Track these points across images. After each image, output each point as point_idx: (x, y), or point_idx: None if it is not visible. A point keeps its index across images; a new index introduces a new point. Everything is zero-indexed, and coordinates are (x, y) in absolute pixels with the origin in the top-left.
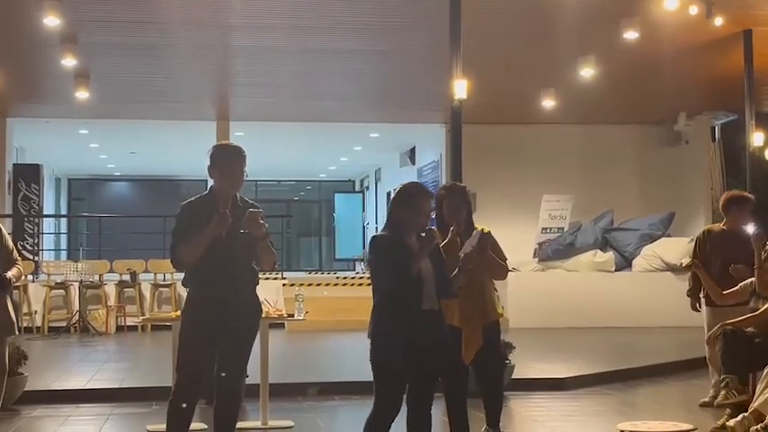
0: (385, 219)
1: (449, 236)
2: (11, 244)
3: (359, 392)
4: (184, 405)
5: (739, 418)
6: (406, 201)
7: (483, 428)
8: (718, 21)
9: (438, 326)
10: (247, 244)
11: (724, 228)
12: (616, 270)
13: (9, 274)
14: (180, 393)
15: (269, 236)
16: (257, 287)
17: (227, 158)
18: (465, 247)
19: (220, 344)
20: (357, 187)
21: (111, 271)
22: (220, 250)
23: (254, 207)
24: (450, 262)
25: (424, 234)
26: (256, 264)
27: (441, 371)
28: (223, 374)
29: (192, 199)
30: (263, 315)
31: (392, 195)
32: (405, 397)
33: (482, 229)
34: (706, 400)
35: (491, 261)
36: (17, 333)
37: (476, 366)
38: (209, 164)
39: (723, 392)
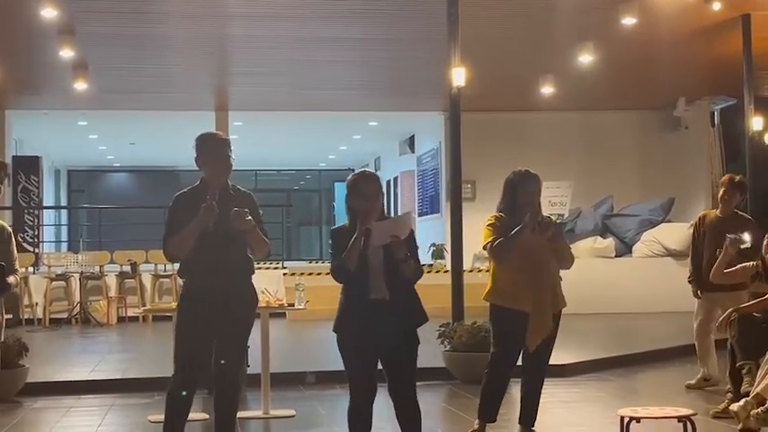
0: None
1: (525, 220)
2: (16, 254)
3: None
4: (182, 395)
5: (741, 402)
6: (351, 187)
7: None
8: (717, 5)
9: (391, 315)
10: (239, 233)
11: (719, 213)
12: (616, 256)
13: (10, 279)
14: (177, 384)
15: (257, 227)
16: (253, 276)
17: (211, 148)
18: (372, 241)
19: (216, 334)
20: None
21: (111, 262)
22: (212, 241)
23: (248, 195)
24: (522, 245)
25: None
26: (250, 253)
27: (405, 361)
28: (221, 364)
29: (185, 190)
30: (264, 305)
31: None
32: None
33: (549, 218)
34: (692, 382)
35: (563, 250)
36: (1, 339)
37: (532, 356)
38: (195, 155)
39: (747, 380)
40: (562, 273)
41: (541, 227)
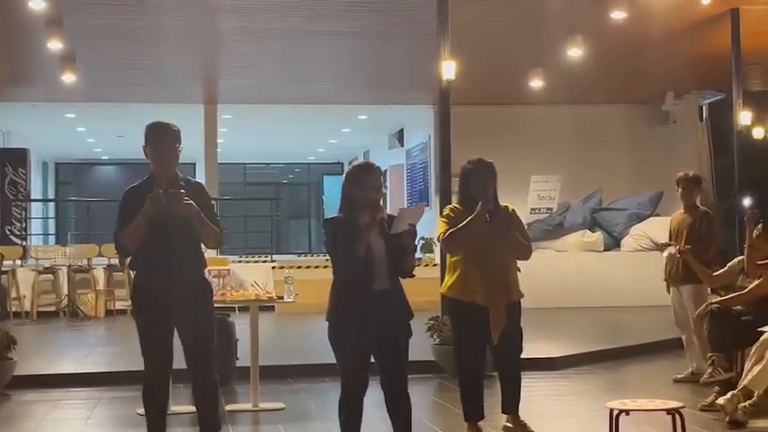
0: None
1: (477, 210)
2: None
3: None
4: (155, 395)
5: (728, 395)
6: (353, 179)
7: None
8: (706, 0)
9: (392, 305)
10: (187, 224)
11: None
12: (605, 250)
13: None
14: (147, 381)
15: (200, 212)
16: (205, 269)
17: (156, 137)
18: (394, 227)
19: (179, 331)
20: (346, 169)
21: (99, 255)
22: (161, 233)
23: (197, 185)
24: (473, 236)
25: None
26: (203, 243)
27: (398, 352)
28: (191, 356)
29: (134, 184)
30: (253, 298)
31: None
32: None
33: (506, 207)
34: (680, 376)
35: (515, 241)
36: None
37: (497, 347)
38: (144, 144)
39: (709, 370)
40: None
41: (492, 216)
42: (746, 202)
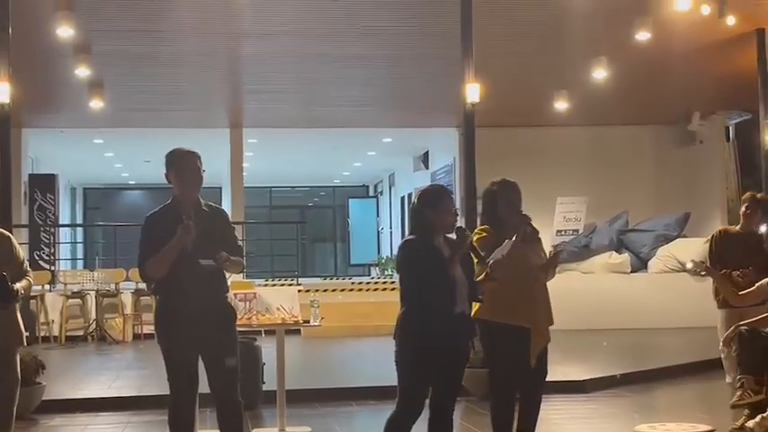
0: (410, 222)
1: (523, 230)
2: (22, 255)
3: (375, 397)
4: (183, 419)
5: (758, 418)
6: (433, 202)
7: None
8: (731, 20)
9: (468, 329)
10: (212, 251)
11: (739, 229)
12: (632, 271)
13: (18, 285)
14: (174, 405)
15: (230, 258)
16: (228, 293)
17: (181, 163)
18: (495, 255)
19: (203, 355)
20: (371, 192)
21: (127, 279)
22: (183, 258)
23: (221, 211)
24: (529, 255)
25: (456, 234)
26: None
27: (461, 376)
28: (217, 380)
29: (156, 210)
30: (279, 321)
31: (415, 198)
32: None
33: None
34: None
35: (555, 265)
36: (25, 344)
37: (530, 374)
38: (165, 171)
39: (738, 393)
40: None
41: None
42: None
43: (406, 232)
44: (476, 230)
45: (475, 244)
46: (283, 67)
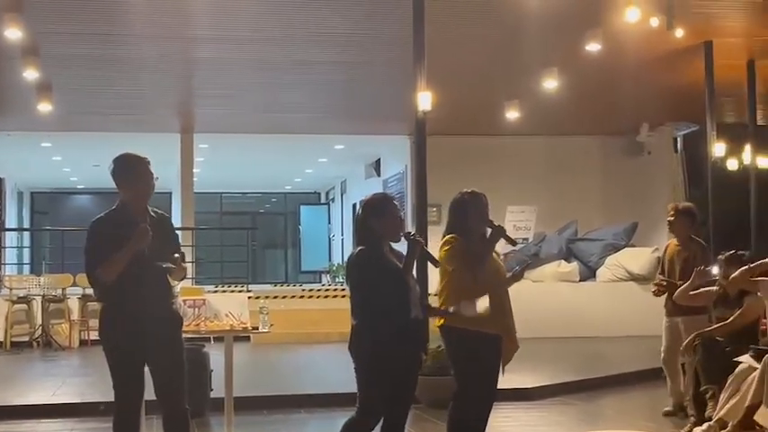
0: (357, 233)
1: (498, 230)
2: None
3: (325, 405)
4: (127, 425)
5: (704, 426)
6: (378, 210)
7: None
8: (679, 32)
9: (423, 334)
10: (161, 258)
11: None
12: (580, 280)
13: None
14: (119, 413)
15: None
16: (174, 299)
17: (133, 169)
18: (461, 308)
19: (149, 362)
20: (323, 199)
21: (74, 285)
22: (135, 266)
23: (167, 218)
24: (499, 263)
25: (407, 241)
26: (170, 277)
27: (416, 382)
28: (162, 388)
29: (102, 215)
30: (228, 328)
31: (360, 208)
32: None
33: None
34: (668, 409)
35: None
36: None
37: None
38: (114, 176)
39: (711, 404)
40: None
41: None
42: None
43: (353, 243)
44: (445, 239)
45: (443, 254)
46: (236, 72)
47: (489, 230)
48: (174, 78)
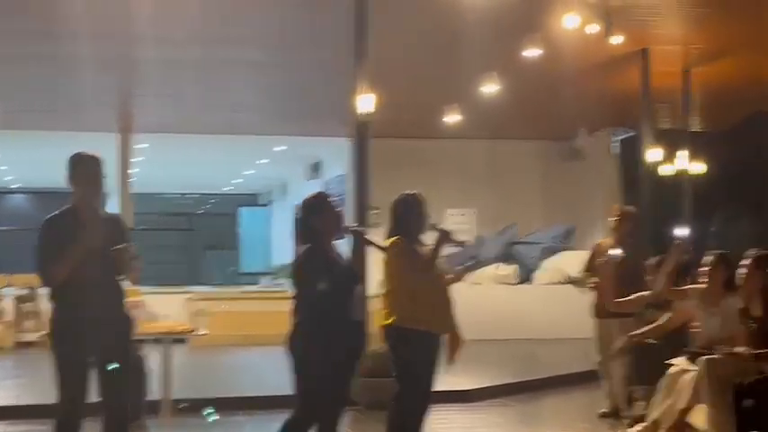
0: (298, 233)
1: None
2: None
3: (263, 407)
4: (69, 426)
5: (638, 427)
6: (317, 209)
7: None
8: (617, 39)
9: (361, 335)
10: (112, 258)
11: (612, 243)
12: (519, 283)
13: None
14: (61, 415)
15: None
16: (124, 299)
17: (85, 168)
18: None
19: (98, 363)
20: (262, 201)
21: (8, 285)
22: (87, 264)
23: (118, 218)
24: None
25: (352, 234)
26: (121, 274)
27: (351, 383)
28: (106, 390)
29: (54, 213)
30: (166, 330)
31: (302, 208)
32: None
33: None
34: (605, 410)
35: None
36: None
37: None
38: (67, 175)
39: (640, 404)
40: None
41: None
42: (677, 232)
43: (295, 244)
44: (390, 241)
45: (389, 256)
46: (177, 72)
47: (435, 234)
48: (112, 77)
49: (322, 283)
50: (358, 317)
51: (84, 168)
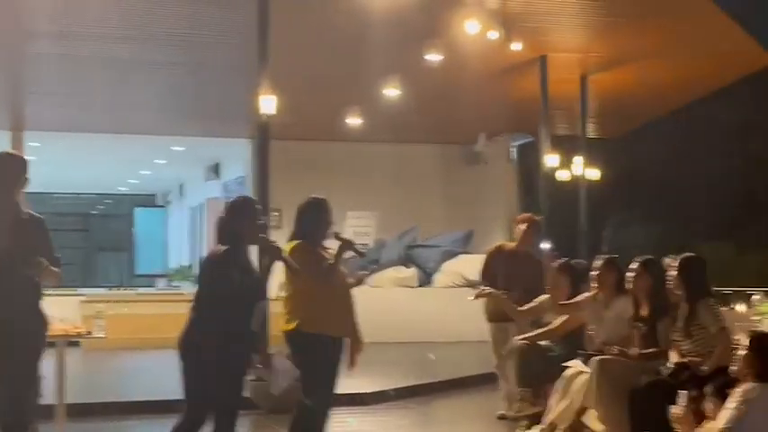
0: (217, 234)
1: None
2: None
3: (158, 411)
4: None
5: (536, 429)
6: (240, 213)
7: None
8: (516, 46)
9: (255, 343)
10: (27, 257)
11: (515, 247)
12: (419, 286)
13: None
14: None
15: (48, 267)
16: (41, 301)
17: (8, 167)
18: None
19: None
20: (159, 201)
21: None
22: (3, 267)
23: (40, 220)
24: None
25: (264, 245)
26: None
27: (243, 389)
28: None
29: None
30: (61, 333)
31: (227, 209)
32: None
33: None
34: (503, 412)
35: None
36: None
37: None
38: None
39: (517, 405)
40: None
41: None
42: (547, 245)
43: (211, 243)
44: (293, 244)
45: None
46: (73, 69)
47: (337, 242)
48: (4, 73)
49: (230, 286)
50: (256, 329)
51: (6, 167)
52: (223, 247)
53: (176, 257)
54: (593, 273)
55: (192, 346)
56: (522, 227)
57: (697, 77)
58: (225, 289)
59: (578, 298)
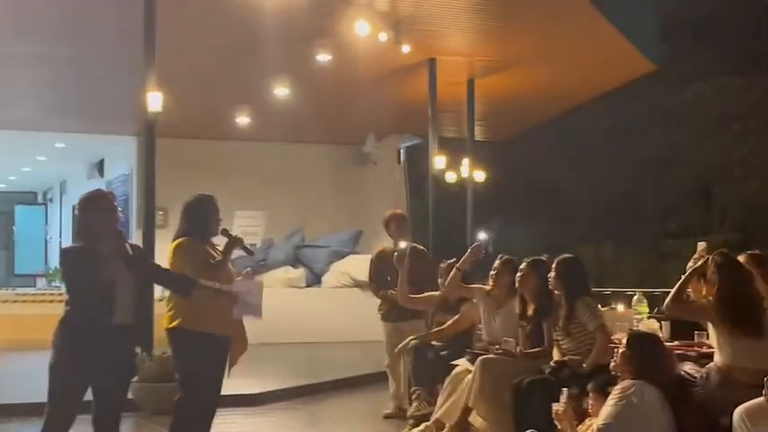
0: (75, 229)
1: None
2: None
3: (37, 414)
4: None
5: (422, 427)
6: (92, 206)
7: None
8: (406, 48)
9: (127, 342)
10: None
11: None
12: (307, 286)
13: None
14: None
15: None
16: None
17: None
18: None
19: None
20: (40, 199)
21: None
22: None
23: None
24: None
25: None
26: None
27: (123, 390)
28: None
29: None
30: None
31: (78, 204)
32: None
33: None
34: (389, 411)
35: None
36: None
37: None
38: None
39: (415, 404)
40: None
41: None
42: (481, 235)
43: (73, 241)
44: (178, 242)
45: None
46: None
47: (225, 239)
48: None
49: (82, 280)
50: (120, 320)
51: None
52: (71, 244)
53: (57, 257)
54: (491, 272)
55: (55, 344)
56: (393, 225)
57: (580, 82)
58: (77, 285)
59: (472, 286)
